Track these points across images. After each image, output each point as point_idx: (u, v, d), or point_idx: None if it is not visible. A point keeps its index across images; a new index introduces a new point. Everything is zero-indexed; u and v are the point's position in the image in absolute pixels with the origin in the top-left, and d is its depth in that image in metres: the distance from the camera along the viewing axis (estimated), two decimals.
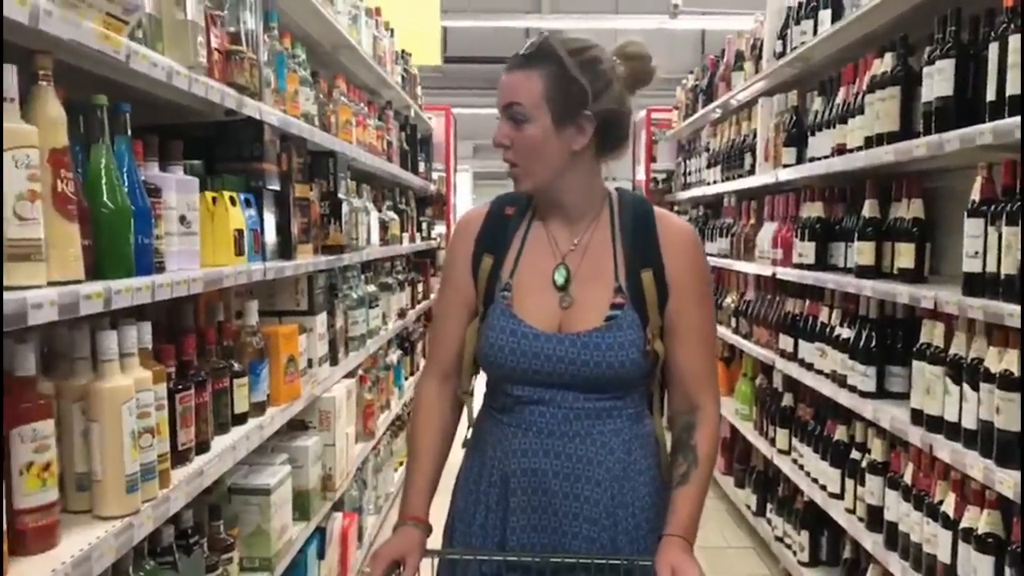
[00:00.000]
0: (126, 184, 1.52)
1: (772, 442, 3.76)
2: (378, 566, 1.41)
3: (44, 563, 1.26)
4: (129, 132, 1.57)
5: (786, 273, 3.51)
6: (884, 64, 2.66)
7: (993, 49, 2.00)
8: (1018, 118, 1.87)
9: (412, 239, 5.09)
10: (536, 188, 1.50)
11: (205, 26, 1.87)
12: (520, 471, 1.46)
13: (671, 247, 1.48)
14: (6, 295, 1.15)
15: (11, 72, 1.23)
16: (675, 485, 1.45)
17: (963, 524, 2.10)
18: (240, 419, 2.10)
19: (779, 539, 3.67)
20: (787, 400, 3.67)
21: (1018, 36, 1.90)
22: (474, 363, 1.55)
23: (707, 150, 5.31)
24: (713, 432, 1.50)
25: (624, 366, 1.43)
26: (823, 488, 3.11)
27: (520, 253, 1.53)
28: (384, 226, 4.10)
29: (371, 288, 3.76)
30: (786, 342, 3.55)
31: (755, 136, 4.17)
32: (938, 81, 2.26)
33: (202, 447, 1.85)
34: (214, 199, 1.99)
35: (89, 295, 1.32)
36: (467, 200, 9.11)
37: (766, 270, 3.80)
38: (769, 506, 3.86)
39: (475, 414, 1.62)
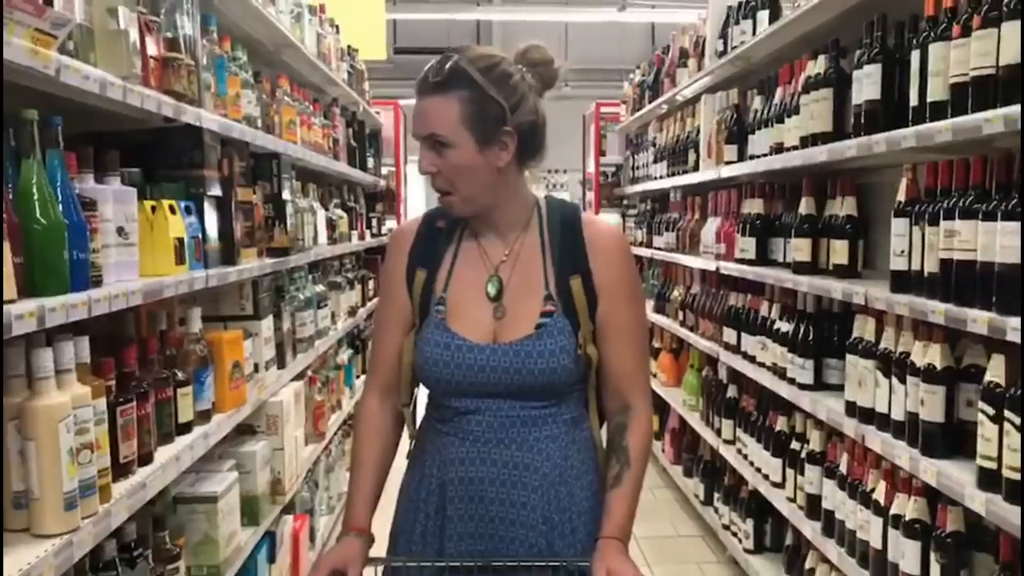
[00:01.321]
0: (59, 199, 1.51)
1: (718, 432, 3.85)
2: (319, 575, 1.43)
3: None
4: (61, 145, 1.55)
5: (729, 268, 3.59)
6: (818, 66, 2.73)
7: (915, 56, 2.07)
8: (940, 123, 1.95)
9: (362, 236, 5.07)
10: (472, 212, 1.53)
11: (140, 34, 1.85)
12: (458, 479, 1.49)
13: (597, 251, 1.52)
14: None
15: None
16: (608, 487, 1.48)
17: (892, 511, 2.19)
18: (185, 428, 2.09)
19: (726, 527, 3.77)
20: (731, 391, 3.76)
21: (939, 44, 1.98)
22: (413, 376, 1.57)
23: (654, 145, 5.38)
24: (644, 430, 1.54)
25: (556, 372, 1.46)
26: (766, 477, 3.20)
27: (453, 266, 1.55)
28: (332, 225, 4.08)
29: (319, 288, 3.74)
30: (730, 335, 3.63)
31: (699, 133, 4.24)
32: (867, 85, 2.34)
33: (145, 459, 1.84)
34: (153, 208, 1.97)
35: (22, 315, 1.31)
36: (419, 193, 9.09)
37: (710, 264, 3.88)
38: (716, 495, 3.96)
39: (417, 426, 1.64)
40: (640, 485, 1.51)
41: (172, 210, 2.03)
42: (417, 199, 8.83)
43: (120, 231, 1.77)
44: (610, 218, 6.49)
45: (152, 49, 1.94)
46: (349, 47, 5.13)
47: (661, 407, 5.03)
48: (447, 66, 1.44)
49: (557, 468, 1.49)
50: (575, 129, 7.95)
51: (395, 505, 1.60)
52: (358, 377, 4.81)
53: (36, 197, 1.45)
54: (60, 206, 1.50)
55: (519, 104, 1.46)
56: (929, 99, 2.01)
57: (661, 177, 5.09)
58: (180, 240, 2.05)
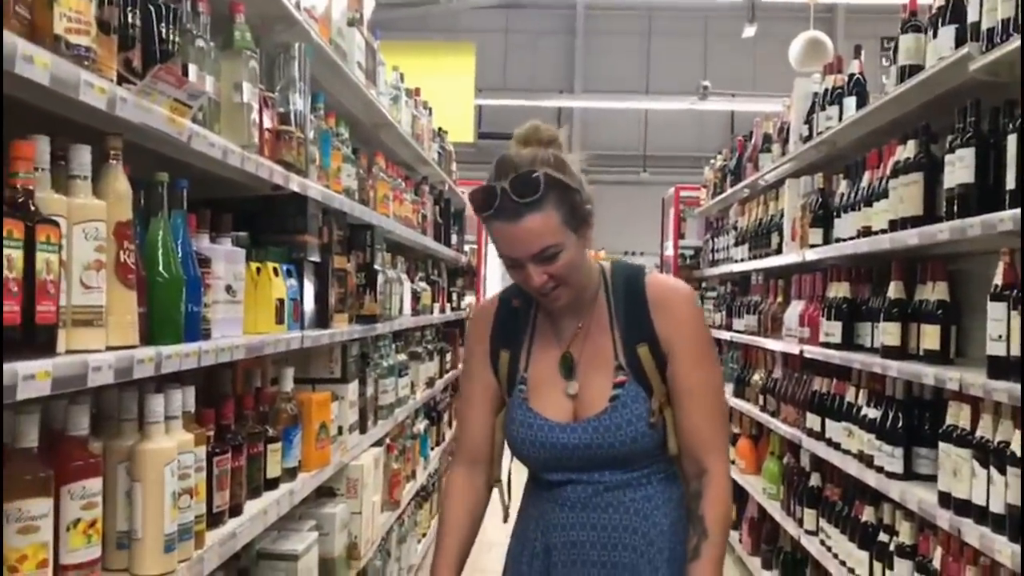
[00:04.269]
0: (180, 255, 1.62)
1: (800, 522, 3.71)
2: None
3: None
4: (185, 206, 1.68)
5: (813, 352, 3.52)
6: (907, 150, 2.73)
7: (1012, 140, 2.06)
8: None
9: (443, 309, 5.18)
10: (574, 297, 1.54)
11: (258, 108, 2.00)
12: (561, 544, 1.52)
13: (661, 314, 1.53)
14: (69, 358, 1.23)
15: (85, 152, 1.34)
16: (688, 560, 1.49)
17: None
18: (272, 484, 2.15)
19: None
20: (815, 480, 3.64)
21: None
22: (504, 449, 1.62)
23: (735, 228, 5.39)
24: (721, 497, 1.52)
25: (635, 441, 1.48)
26: (851, 571, 3.06)
27: (531, 345, 1.60)
28: (416, 296, 4.19)
29: (401, 357, 3.83)
30: (813, 421, 3.54)
31: (782, 216, 4.24)
32: (959, 168, 2.33)
33: (235, 510, 1.90)
34: (258, 269, 2.09)
35: (142, 359, 1.40)
36: (497, 271, 9.26)
37: (793, 348, 3.82)
38: None
39: (510, 496, 1.68)
40: (722, 552, 1.50)
41: (275, 272, 2.14)
42: (495, 276, 8.98)
43: (228, 289, 1.88)
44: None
45: (267, 122, 2.09)
46: (440, 129, 5.36)
47: (739, 495, 4.88)
48: (531, 183, 1.40)
49: (656, 527, 1.50)
50: (653, 213, 8.03)
51: (502, 570, 1.64)
52: (433, 448, 4.84)
53: (161, 252, 1.56)
54: (180, 262, 1.61)
55: (581, 182, 1.49)
56: None
57: (742, 260, 5.07)
58: (281, 301, 2.15)
